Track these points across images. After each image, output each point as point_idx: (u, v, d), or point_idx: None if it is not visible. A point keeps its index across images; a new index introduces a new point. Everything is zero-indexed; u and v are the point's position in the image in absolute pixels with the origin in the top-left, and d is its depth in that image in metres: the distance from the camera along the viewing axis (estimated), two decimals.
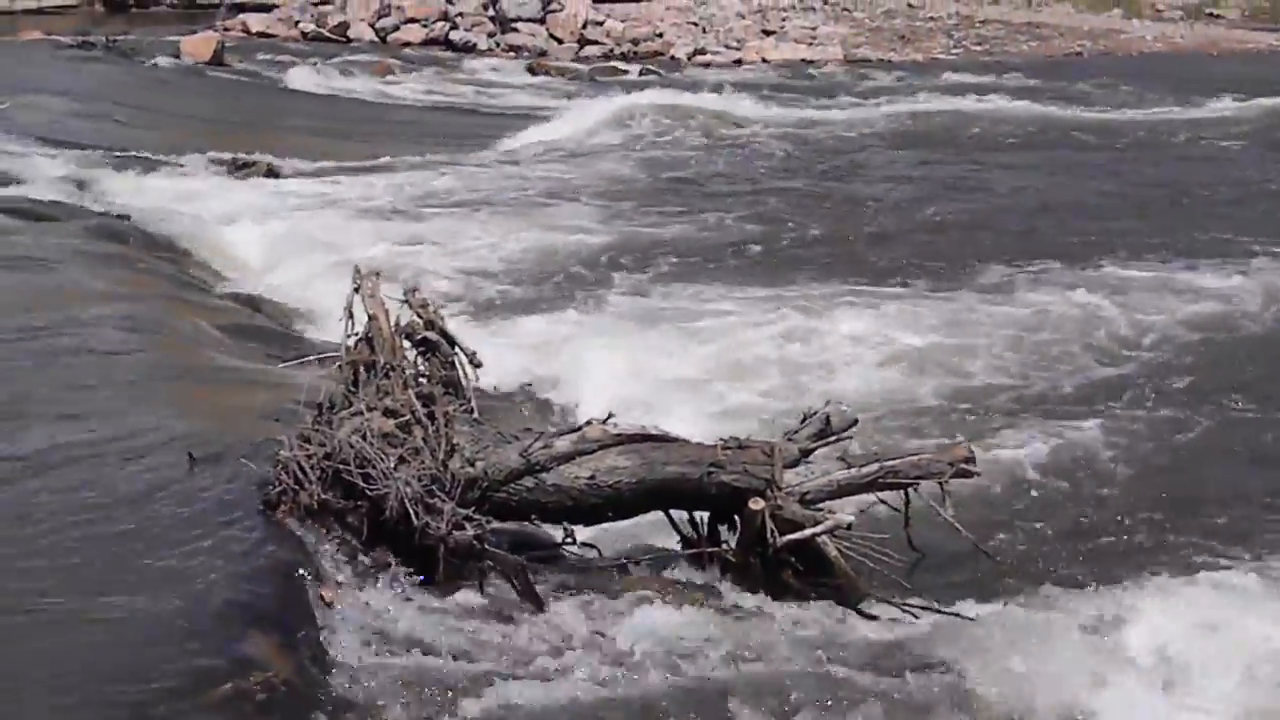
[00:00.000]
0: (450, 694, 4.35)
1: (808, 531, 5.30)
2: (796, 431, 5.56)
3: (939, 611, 5.31)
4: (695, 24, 38.22)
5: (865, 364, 8.93)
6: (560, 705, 4.29)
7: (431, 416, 5.21)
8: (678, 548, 5.60)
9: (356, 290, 5.67)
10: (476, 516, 5.02)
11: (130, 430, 6.04)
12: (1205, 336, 9.74)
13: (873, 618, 5.27)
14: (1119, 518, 6.58)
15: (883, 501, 5.74)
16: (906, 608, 5.32)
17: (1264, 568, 5.77)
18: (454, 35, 33.84)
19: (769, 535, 5.28)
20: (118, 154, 15.50)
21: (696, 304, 10.34)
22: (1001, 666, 4.67)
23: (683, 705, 4.30)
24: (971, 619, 5.18)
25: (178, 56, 25.94)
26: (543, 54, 32.81)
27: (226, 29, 32.37)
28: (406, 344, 5.62)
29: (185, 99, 21.85)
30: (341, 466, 4.97)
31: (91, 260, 9.85)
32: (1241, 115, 23.51)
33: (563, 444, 5.29)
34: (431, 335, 5.67)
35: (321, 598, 4.59)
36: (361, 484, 4.95)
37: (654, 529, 5.71)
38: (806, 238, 13.19)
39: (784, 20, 40.08)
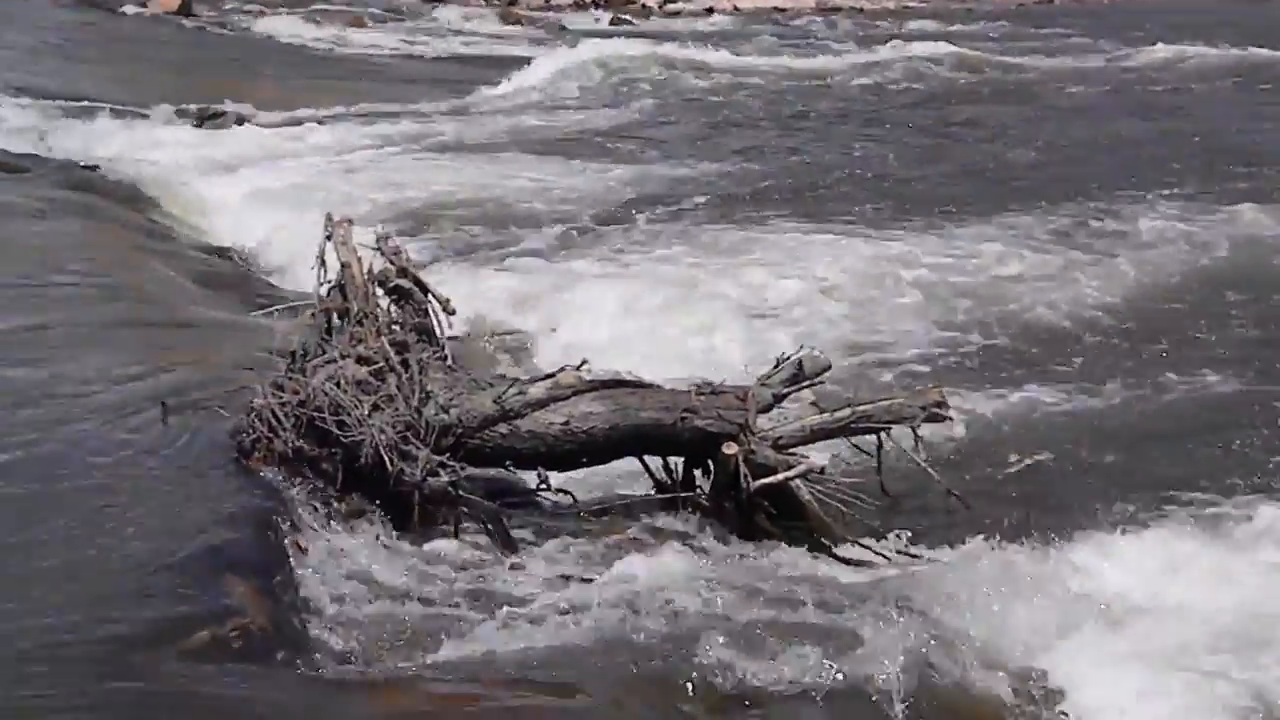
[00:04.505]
0: (425, 639, 4.36)
1: (781, 476, 5.33)
2: (770, 376, 5.57)
3: (910, 555, 5.36)
4: None
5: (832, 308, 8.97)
6: (535, 650, 4.30)
7: (405, 364, 5.21)
8: (652, 493, 5.61)
9: (329, 238, 5.66)
10: (451, 463, 5.04)
11: (102, 380, 6.02)
12: (1176, 287, 9.76)
13: (845, 561, 5.30)
14: (1091, 466, 6.61)
15: (856, 446, 5.77)
16: (878, 552, 5.36)
17: (1230, 516, 5.80)
18: None
19: (742, 480, 5.30)
20: (85, 104, 15.40)
21: (672, 249, 10.34)
22: (971, 610, 4.70)
23: (656, 649, 4.31)
24: (943, 563, 5.21)
25: (145, 5, 25.68)
26: (513, 1, 32.59)
27: None
28: (379, 291, 5.60)
29: (154, 48, 21.68)
30: (315, 414, 4.97)
31: (59, 210, 9.77)
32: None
33: (537, 390, 5.29)
34: (404, 283, 5.65)
35: (296, 545, 4.59)
36: (336, 431, 4.95)
37: (628, 475, 5.72)
38: (776, 184, 13.20)
39: None
